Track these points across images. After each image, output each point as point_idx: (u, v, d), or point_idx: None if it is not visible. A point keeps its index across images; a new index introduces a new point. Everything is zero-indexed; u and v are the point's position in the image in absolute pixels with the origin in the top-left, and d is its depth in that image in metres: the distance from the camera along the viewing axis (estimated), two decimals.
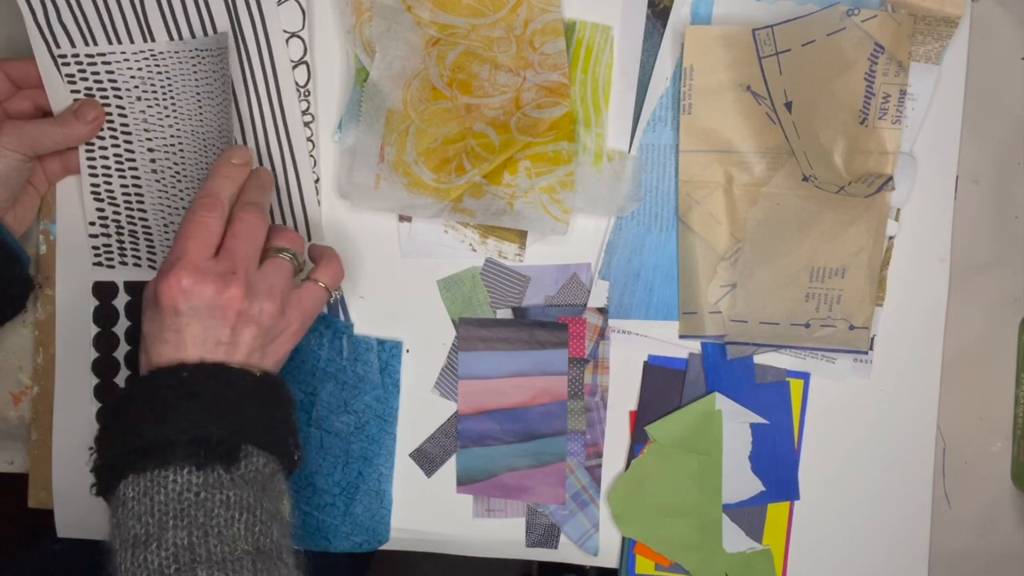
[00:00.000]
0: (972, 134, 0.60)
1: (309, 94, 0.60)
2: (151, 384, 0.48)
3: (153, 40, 0.58)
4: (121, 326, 0.62)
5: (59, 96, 0.59)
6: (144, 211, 0.60)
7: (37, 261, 0.63)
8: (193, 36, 0.57)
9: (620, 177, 0.60)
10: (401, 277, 0.62)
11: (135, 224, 0.61)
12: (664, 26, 0.59)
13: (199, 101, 0.58)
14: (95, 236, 0.61)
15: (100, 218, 0.61)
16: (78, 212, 0.61)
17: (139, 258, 0.61)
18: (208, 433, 0.47)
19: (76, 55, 0.58)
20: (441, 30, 0.58)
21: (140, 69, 0.58)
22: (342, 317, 0.62)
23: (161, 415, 0.47)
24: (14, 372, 0.64)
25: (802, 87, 0.56)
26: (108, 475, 0.48)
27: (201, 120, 0.59)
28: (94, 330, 0.62)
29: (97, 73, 0.58)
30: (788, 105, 0.57)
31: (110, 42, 0.58)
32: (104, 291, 0.62)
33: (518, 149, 0.58)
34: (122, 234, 0.61)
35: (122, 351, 0.62)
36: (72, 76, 0.58)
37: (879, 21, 0.56)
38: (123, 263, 0.61)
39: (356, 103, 0.60)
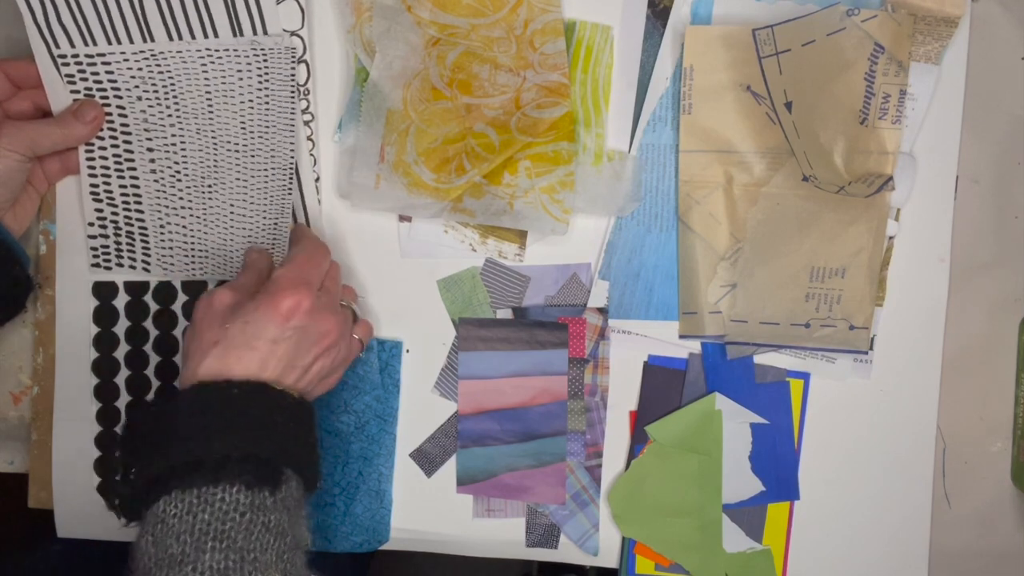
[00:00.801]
0: (972, 134, 0.60)
1: (309, 92, 0.60)
2: (199, 399, 0.47)
3: (153, 40, 0.57)
4: (121, 326, 0.62)
5: (59, 96, 0.59)
6: (141, 211, 0.60)
7: (37, 261, 0.63)
8: (193, 37, 0.57)
9: (620, 177, 0.60)
10: (401, 277, 0.62)
11: (132, 226, 0.61)
12: (664, 26, 0.59)
13: (208, 101, 0.58)
14: (93, 237, 0.61)
15: (99, 219, 0.61)
16: (78, 212, 0.61)
17: (135, 260, 0.61)
18: (259, 451, 0.46)
19: (76, 55, 0.58)
20: (441, 30, 0.58)
21: (140, 69, 0.58)
22: None
23: (210, 430, 0.46)
24: (14, 372, 0.64)
25: (802, 87, 0.56)
26: (148, 491, 0.46)
27: (210, 119, 0.59)
28: (94, 330, 0.62)
29: (97, 73, 0.58)
30: (788, 105, 0.57)
31: (109, 42, 0.58)
32: (104, 291, 0.62)
33: (518, 149, 0.58)
34: (119, 235, 0.61)
35: (122, 351, 0.62)
36: (72, 76, 0.58)
37: (879, 21, 0.56)
38: (120, 265, 0.61)
39: (356, 103, 0.60)
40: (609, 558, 0.63)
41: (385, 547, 0.63)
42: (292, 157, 0.59)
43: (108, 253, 0.61)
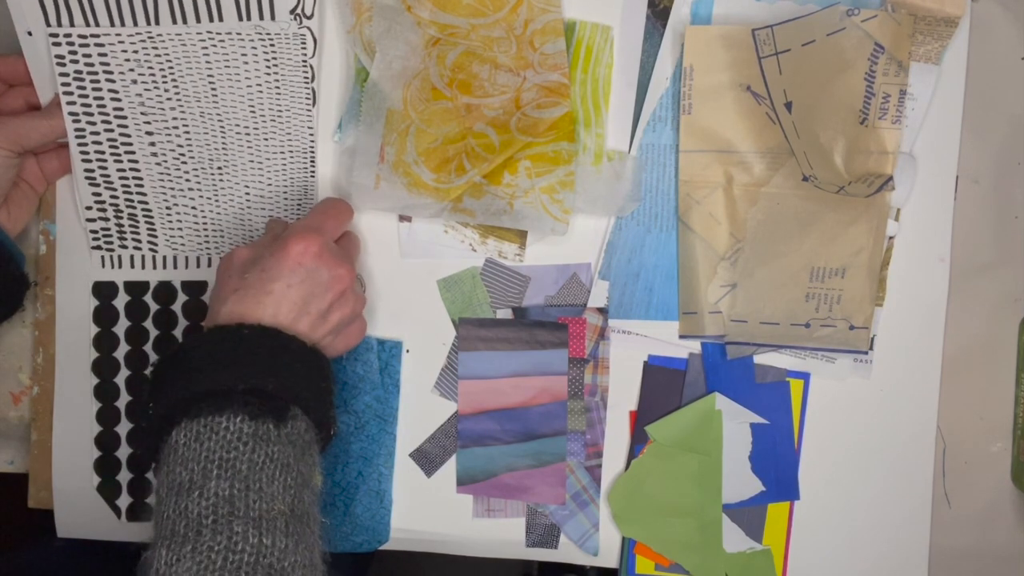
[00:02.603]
0: (972, 134, 0.60)
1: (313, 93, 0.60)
2: (210, 339, 0.49)
3: (158, 23, 0.57)
4: (121, 326, 0.62)
5: (44, 83, 0.58)
6: (144, 194, 0.60)
7: (37, 261, 0.63)
8: (198, 20, 0.57)
9: (620, 177, 0.60)
10: (401, 277, 0.62)
11: (134, 207, 0.60)
12: (664, 26, 0.59)
13: (212, 84, 0.58)
14: (92, 220, 0.61)
15: (97, 202, 0.60)
16: (78, 214, 0.61)
17: (139, 241, 0.61)
18: (264, 385, 0.48)
19: (68, 35, 0.57)
20: (441, 30, 0.58)
21: (136, 52, 0.57)
22: None
23: (219, 366, 0.48)
24: (14, 372, 0.64)
25: (802, 87, 0.56)
26: (162, 424, 0.48)
27: (215, 103, 0.58)
28: (94, 330, 0.62)
29: (89, 55, 0.57)
30: (788, 105, 0.57)
31: (112, 23, 0.57)
32: (104, 291, 0.62)
33: (518, 149, 0.58)
34: (121, 217, 0.61)
35: (122, 351, 0.62)
36: (62, 57, 0.57)
37: (879, 21, 0.56)
38: (123, 246, 0.61)
39: (356, 103, 0.60)
40: (609, 558, 0.63)
41: (385, 547, 0.63)
42: (312, 139, 0.60)
43: (109, 235, 0.61)
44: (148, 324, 0.62)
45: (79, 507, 0.63)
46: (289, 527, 0.46)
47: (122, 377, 0.62)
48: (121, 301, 0.62)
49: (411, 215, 0.61)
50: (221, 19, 0.57)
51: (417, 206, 0.59)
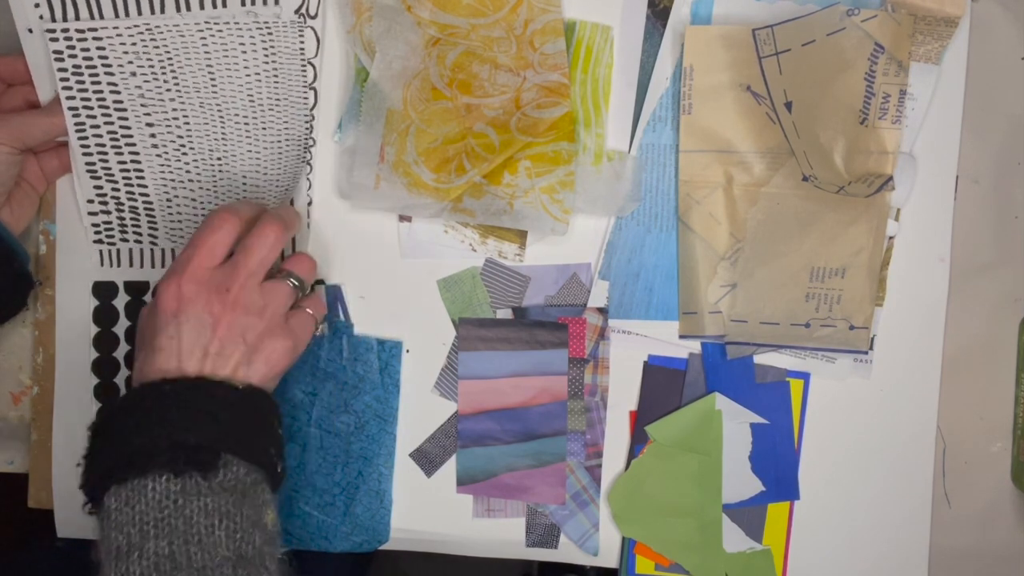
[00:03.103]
0: (972, 134, 0.60)
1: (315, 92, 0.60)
2: (133, 399, 0.50)
3: (162, 12, 0.57)
4: (121, 326, 0.62)
5: (43, 76, 0.58)
6: (145, 186, 0.60)
7: (37, 261, 0.63)
8: (202, 8, 0.57)
9: (620, 177, 0.60)
10: (401, 277, 0.62)
11: (135, 200, 0.60)
12: (664, 26, 0.59)
13: (211, 75, 0.58)
14: (94, 214, 0.61)
15: (98, 195, 0.60)
16: (78, 212, 0.61)
17: (140, 235, 0.61)
18: (185, 440, 0.47)
19: (66, 29, 0.56)
20: (441, 30, 0.58)
21: (135, 44, 0.57)
22: (342, 317, 0.62)
23: (142, 426, 0.48)
24: (14, 372, 0.64)
25: (802, 87, 0.56)
26: (94, 489, 0.48)
27: (214, 93, 0.58)
28: (94, 330, 0.62)
29: (87, 49, 0.57)
30: (788, 105, 0.57)
31: (94, 16, 0.57)
32: (104, 291, 0.62)
33: (518, 149, 0.58)
34: (122, 210, 0.61)
35: (122, 351, 0.62)
36: (60, 52, 0.57)
37: (879, 21, 0.56)
38: (124, 240, 0.61)
39: (356, 103, 0.60)
40: (609, 558, 0.63)
41: (385, 547, 0.63)
42: (307, 128, 0.60)
43: (111, 229, 0.61)
44: None
45: (79, 507, 0.63)
46: (237, 571, 0.46)
47: (122, 377, 0.62)
48: (121, 301, 0.62)
49: (411, 215, 0.61)
50: (225, 5, 0.57)
51: (417, 206, 0.59)
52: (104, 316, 0.62)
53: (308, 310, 0.56)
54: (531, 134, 0.58)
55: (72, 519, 0.64)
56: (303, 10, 0.58)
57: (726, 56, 0.58)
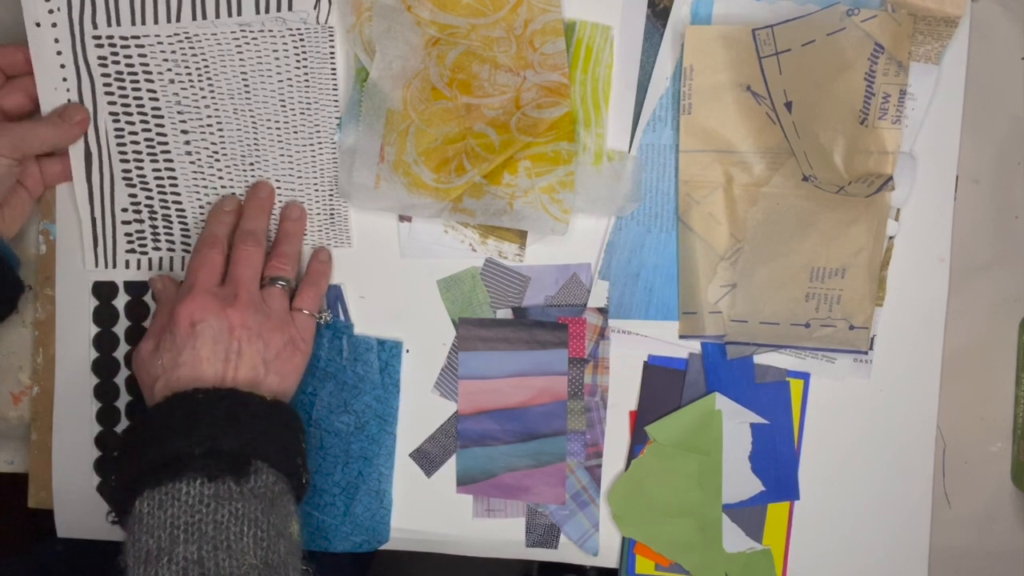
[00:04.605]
0: (972, 134, 0.60)
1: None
2: (167, 407, 0.51)
3: (179, 20, 0.58)
4: (121, 326, 0.62)
5: (45, 69, 0.58)
6: (178, 194, 0.61)
7: (37, 261, 0.63)
8: (217, 16, 0.58)
9: (620, 177, 0.60)
10: (401, 277, 0.62)
11: (168, 208, 0.61)
12: (664, 26, 0.59)
13: (245, 81, 0.59)
14: (127, 223, 0.61)
15: (132, 204, 0.61)
16: (78, 212, 0.61)
17: (173, 243, 0.61)
18: (219, 446, 0.49)
19: (111, 36, 0.58)
20: (441, 30, 0.58)
21: (174, 52, 0.58)
22: (342, 317, 0.62)
23: (175, 433, 0.49)
24: (14, 372, 0.64)
25: (802, 87, 0.56)
26: (125, 496, 0.49)
27: (248, 99, 0.59)
28: (94, 330, 0.62)
29: (129, 56, 0.58)
30: (788, 105, 0.57)
31: (134, 24, 0.58)
32: (104, 291, 0.62)
33: (518, 149, 0.58)
34: (155, 219, 0.61)
35: (122, 351, 0.62)
36: (104, 59, 0.58)
37: (879, 21, 0.56)
38: (156, 249, 0.61)
39: (356, 103, 0.60)
40: (609, 558, 0.63)
41: (385, 547, 0.63)
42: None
43: (144, 237, 0.61)
44: (148, 324, 0.62)
45: (79, 507, 0.63)
46: None
47: (122, 377, 0.62)
48: (121, 301, 0.62)
49: (411, 215, 0.61)
50: (240, 12, 0.58)
51: (417, 206, 0.59)
52: (104, 316, 0.62)
53: (304, 311, 0.58)
54: (531, 134, 0.58)
55: (72, 519, 0.64)
56: (318, 14, 0.58)
57: (726, 56, 0.58)
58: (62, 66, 0.58)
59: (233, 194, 0.61)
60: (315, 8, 0.58)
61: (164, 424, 0.50)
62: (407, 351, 0.62)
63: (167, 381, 0.52)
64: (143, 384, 0.55)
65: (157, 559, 0.46)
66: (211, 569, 0.45)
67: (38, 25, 0.57)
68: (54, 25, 0.58)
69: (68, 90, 0.59)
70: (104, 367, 0.62)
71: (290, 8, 0.58)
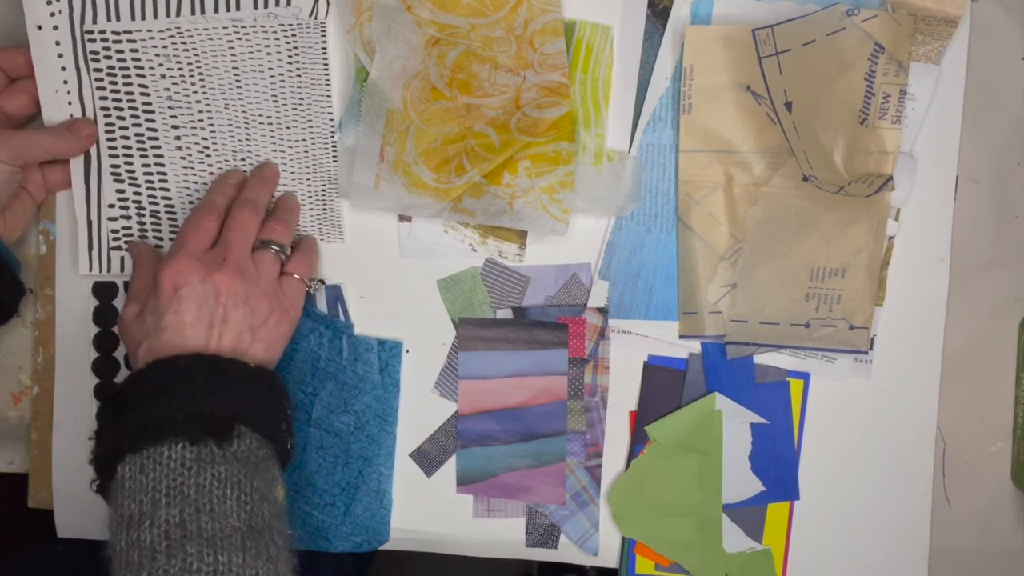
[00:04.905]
0: (972, 134, 0.60)
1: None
2: (148, 374, 0.50)
3: (178, 15, 0.58)
4: None
5: (47, 72, 0.58)
6: (168, 190, 0.60)
7: (37, 261, 0.63)
8: (216, 11, 0.58)
9: (620, 177, 0.60)
10: (401, 277, 0.62)
11: (157, 205, 0.61)
12: (664, 26, 0.59)
13: (236, 76, 0.59)
14: (114, 219, 0.61)
15: (120, 200, 0.60)
16: (75, 215, 0.61)
17: (161, 239, 0.61)
18: (201, 410, 0.48)
19: (103, 31, 0.57)
20: (441, 30, 0.58)
21: (166, 47, 0.58)
22: (342, 317, 0.62)
23: (157, 398, 0.49)
24: (14, 372, 0.64)
25: (802, 87, 0.56)
26: (107, 462, 0.49)
27: (239, 94, 0.59)
28: (94, 330, 0.62)
29: (121, 51, 0.58)
30: (788, 105, 0.57)
31: (133, 18, 0.58)
32: (104, 291, 0.62)
33: (518, 149, 0.58)
34: (143, 216, 0.61)
35: (122, 351, 0.62)
36: (96, 53, 0.58)
37: (879, 21, 0.56)
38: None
39: (356, 103, 0.60)
40: (609, 558, 0.63)
41: (385, 547, 0.63)
42: (332, 126, 0.60)
43: (131, 234, 0.61)
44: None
45: (79, 507, 0.63)
46: (246, 542, 0.46)
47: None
48: (121, 301, 0.62)
49: (411, 215, 0.61)
50: (238, 7, 0.58)
51: (417, 206, 0.59)
52: (104, 316, 0.62)
53: (295, 275, 0.58)
54: (531, 134, 0.58)
55: (72, 519, 0.64)
56: (315, 13, 0.58)
57: (726, 56, 0.58)
58: (63, 68, 0.58)
59: (239, 168, 0.60)
60: (314, 7, 0.58)
61: (145, 390, 0.49)
62: (407, 351, 0.62)
63: (150, 346, 0.52)
64: (129, 349, 0.54)
65: (139, 523, 0.45)
66: (193, 531, 0.45)
67: (39, 28, 0.57)
68: (55, 28, 0.58)
69: (69, 92, 0.59)
70: (104, 367, 0.62)
71: (288, 3, 0.58)
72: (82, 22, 0.58)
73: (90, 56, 0.58)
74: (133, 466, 0.47)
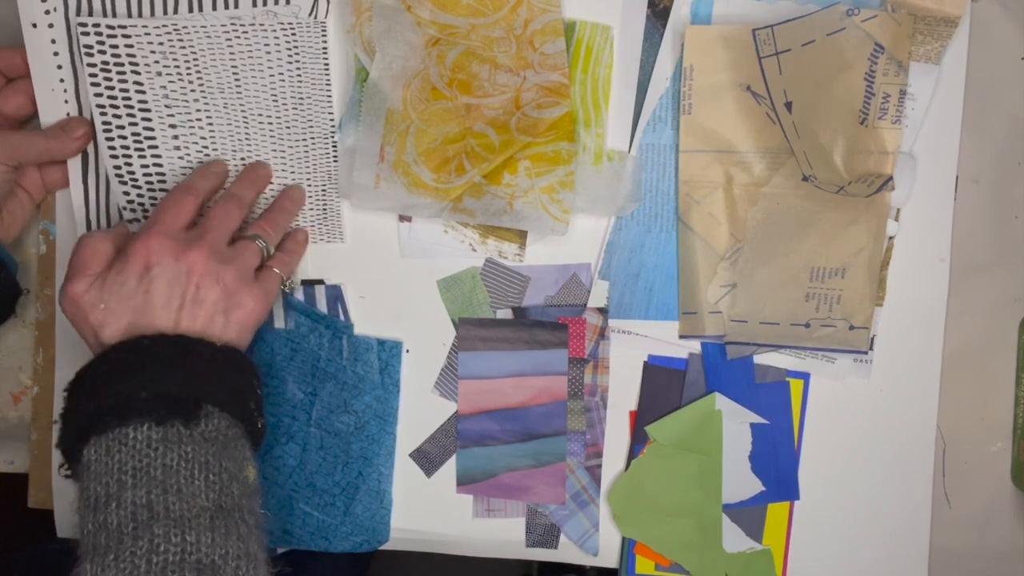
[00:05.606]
0: (972, 134, 0.60)
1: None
2: (112, 354, 0.49)
3: (175, 12, 0.57)
4: None
5: (42, 71, 0.58)
6: (167, 191, 0.60)
7: (37, 261, 0.63)
8: (214, 8, 0.57)
9: (620, 177, 0.60)
10: (401, 277, 0.62)
11: (157, 204, 0.60)
12: (664, 26, 0.59)
13: (235, 75, 0.58)
14: (131, 222, 0.60)
15: (128, 202, 0.60)
16: (78, 213, 0.61)
17: None
18: (167, 390, 0.48)
19: (97, 25, 0.57)
20: (441, 30, 0.58)
21: (162, 44, 0.57)
22: (342, 317, 0.62)
23: (122, 379, 0.48)
24: (14, 372, 0.64)
25: (802, 87, 0.56)
26: (73, 445, 0.48)
27: (238, 93, 0.59)
28: None
29: (116, 47, 0.57)
30: (788, 105, 0.57)
31: (129, 15, 0.57)
32: None
33: (518, 149, 0.58)
34: (144, 215, 0.60)
35: None
36: (90, 47, 0.57)
37: (879, 21, 0.56)
38: None
39: (356, 103, 0.60)
40: (609, 558, 0.63)
41: (385, 547, 0.63)
42: (332, 126, 0.60)
43: None
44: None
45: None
46: (215, 521, 0.45)
47: None
48: None
49: (411, 215, 0.61)
50: (236, 6, 0.57)
51: (417, 206, 0.59)
52: None
53: (275, 269, 0.57)
54: (531, 134, 0.58)
55: (72, 519, 0.63)
56: (315, 13, 0.58)
57: (726, 56, 0.58)
58: (59, 67, 0.58)
59: (225, 161, 0.59)
60: (314, 6, 0.58)
61: (110, 371, 0.48)
62: (407, 351, 0.62)
63: (113, 326, 0.50)
64: (81, 328, 0.52)
65: (106, 505, 0.45)
66: (160, 512, 0.44)
67: (34, 26, 0.57)
68: (50, 25, 0.57)
69: (66, 91, 0.59)
70: None
71: (287, 2, 0.58)
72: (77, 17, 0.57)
73: (83, 50, 0.57)
74: (99, 448, 0.46)
